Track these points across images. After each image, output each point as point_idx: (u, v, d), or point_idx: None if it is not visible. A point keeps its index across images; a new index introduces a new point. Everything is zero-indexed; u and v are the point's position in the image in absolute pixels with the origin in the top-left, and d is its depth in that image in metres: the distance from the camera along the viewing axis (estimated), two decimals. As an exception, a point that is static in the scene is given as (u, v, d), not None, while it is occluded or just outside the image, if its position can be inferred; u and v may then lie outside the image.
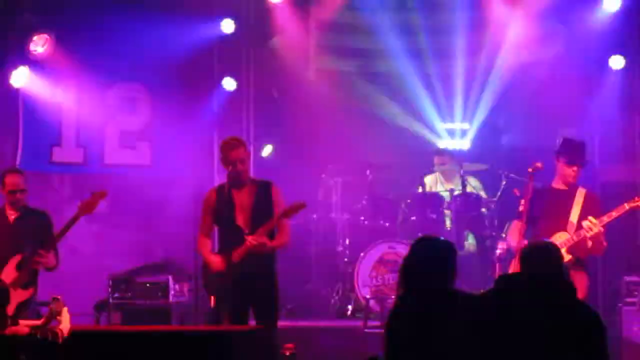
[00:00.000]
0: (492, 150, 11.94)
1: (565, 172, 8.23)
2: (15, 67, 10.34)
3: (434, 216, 10.90)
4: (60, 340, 6.09)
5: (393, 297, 9.99)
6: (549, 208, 8.17)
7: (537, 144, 10.75)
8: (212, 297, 7.76)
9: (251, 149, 10.60)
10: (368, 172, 11.31)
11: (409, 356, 5.23)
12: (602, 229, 7.94)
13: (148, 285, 9.81)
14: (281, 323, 8.26)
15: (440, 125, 12.29)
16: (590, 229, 7.91)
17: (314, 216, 11.39)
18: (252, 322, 7.86)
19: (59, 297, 6.20)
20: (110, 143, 11.14)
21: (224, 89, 11.19)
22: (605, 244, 8.10)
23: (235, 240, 7.70)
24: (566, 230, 8.08)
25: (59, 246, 8.27)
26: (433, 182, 11.53)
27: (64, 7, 10.55)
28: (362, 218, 11.13)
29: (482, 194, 11.16)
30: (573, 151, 8.24)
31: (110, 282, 9.79)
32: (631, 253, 10.43)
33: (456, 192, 10.95)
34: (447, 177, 11.52)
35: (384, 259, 10.52)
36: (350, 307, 10.67)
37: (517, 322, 4.98)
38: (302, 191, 9.69)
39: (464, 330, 5.08)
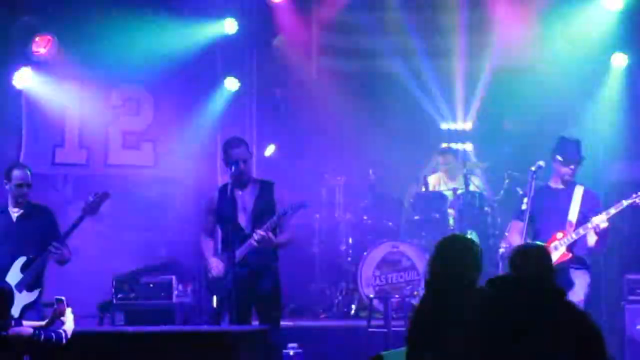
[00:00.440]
0: (494, 149, 11.94)
1: (562, 171, 8.23)
2: (18, 68, 10.35)
3: (437, 215, 10.90)
4: (64, 341, 6.11)
5: (396, 296, 10.05)
6: (547, 207, 8.18)
7: (539, 143, 10.75)
8: (215, 298, 7.77)
9: (254, 148, 10.63)
10: (371, 171, 11.32)
11: (426, 353, 5.25)
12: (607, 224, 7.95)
13: (151, 285, 9.80)
14: (284, 323, 8.27)
15: (443, 125, 12.30)
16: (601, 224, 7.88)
17: (317, 216, 11.40)
18: (255, 322, 7.87)
19: (63, 298, 6.22)
20: (113, 144, 11.15)
21: (226, 89, 11.20)
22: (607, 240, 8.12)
23: (237, 239, 7.70)
24: (565, 229, 8.08)
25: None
26: (436, 181, 11.54)
27: (66, 8, 10.55)
28: (366, 217, 11.13)
29: (485, 193, 11.17)
30: (569, 150, 8.24)
31: (114, 283, 9.79)
32: (634, 251, 10.42)
33: (459, 191, 10.95)
34: (451, 176, 11.53)
35: (388, 259, 10.52)
36: (353, 306, 10.67)
37: (504, 323, 4.99)
38: (305, 191, 9.70)
39: (468, 329, 5.10)
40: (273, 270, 7.84)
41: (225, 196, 7.80)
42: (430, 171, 11.80)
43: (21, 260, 7.98)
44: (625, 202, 7.99)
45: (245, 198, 7.82)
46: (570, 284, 7.85)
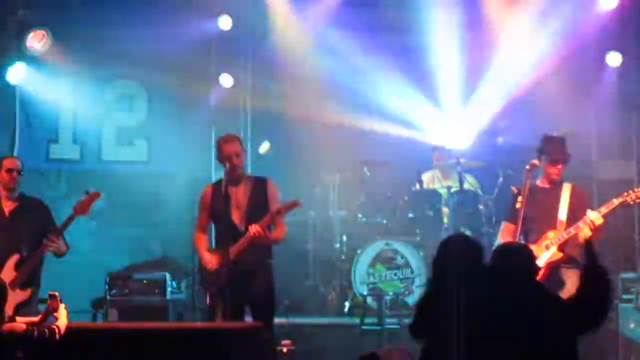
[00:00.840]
0: (489, 147, 11.92)
1: (549, 171, 8.19)
2: (12, 63, 10.33)
3: (432, 213, 10.89)
4: (58, 337, 6.09)
5: (390, 293, 10.05)
6: (537, 207, 8.13)
7: (534, 141, 10.74)
8: (208, 294, 7.76)
9: (248, 145, 10.62)
10: (365, 169, 11.32)
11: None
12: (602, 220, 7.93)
13: (145, 282, 9.79)
14: (278, 320, 8.26)
15: (438, 123, 12.29)
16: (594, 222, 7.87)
17: (312, 213, 11.39)
18: (249, 319, 7.86)
19: (56, 293, 6.20)
20: (107, 140, 11.15)
21: (221, 85, 11.19)
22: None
23: (231, 236, 7.69)
24: (556, 228, 8.06)
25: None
26: (430, 179, 11.52)
27: (61, 4, 10.54)
28: (360, 215, 11.12)
29: (479, 191, 11.16)
30: (555, 149, 8.21)
31: (108, 279, 9.77)
32: (628, 250, 10.44)
33: (453, 189, 10.94)
34: (445, 174, 11.50)
35: (381, 256, 10.52)
36: (347, 304, 10.66)
37: (480, 314, 5.10)
38: (299, 188, 9.69)
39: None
40: (267, 267, 7.83)
41: (219, 193, 7.78)
42: (424, 168, 11.78)
43: (14, 258, 7.94)
44: (616, 201, 7.96)
45: (239, 195, 7.81)
46: (561, 284, 7.83)
